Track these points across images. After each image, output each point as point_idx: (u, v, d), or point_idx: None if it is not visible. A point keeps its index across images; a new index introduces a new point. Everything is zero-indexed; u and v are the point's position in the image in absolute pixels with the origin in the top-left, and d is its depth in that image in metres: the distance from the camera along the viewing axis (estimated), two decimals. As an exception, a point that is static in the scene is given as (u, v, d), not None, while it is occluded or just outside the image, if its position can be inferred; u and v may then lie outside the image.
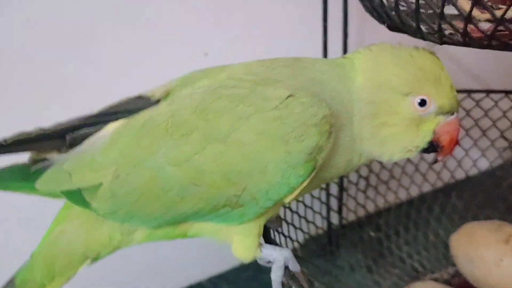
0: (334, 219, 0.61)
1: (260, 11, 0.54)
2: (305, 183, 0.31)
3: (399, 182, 0.62)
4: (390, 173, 0.61)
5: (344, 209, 0.61)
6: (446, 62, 0.64)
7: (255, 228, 0.33)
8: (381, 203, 0.62)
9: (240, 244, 0.34)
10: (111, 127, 0.33)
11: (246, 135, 0.30)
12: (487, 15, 0.34)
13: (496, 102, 0.60)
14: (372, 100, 0.32)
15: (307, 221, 0.56)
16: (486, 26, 0.27)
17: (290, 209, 0.53)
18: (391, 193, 0.62)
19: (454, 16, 0.27)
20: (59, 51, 0.45)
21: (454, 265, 0.56)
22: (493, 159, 0.65)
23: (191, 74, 0.36)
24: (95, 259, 0.35)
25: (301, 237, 0.56)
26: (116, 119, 0.33)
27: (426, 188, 0.64)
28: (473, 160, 0.64)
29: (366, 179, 0.60)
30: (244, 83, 0.32)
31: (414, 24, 0.28)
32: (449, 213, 0.63)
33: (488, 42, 0.25)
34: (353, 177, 0.59)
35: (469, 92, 0.60)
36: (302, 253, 0.58)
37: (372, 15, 0.34)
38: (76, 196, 0.32)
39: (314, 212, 0.57)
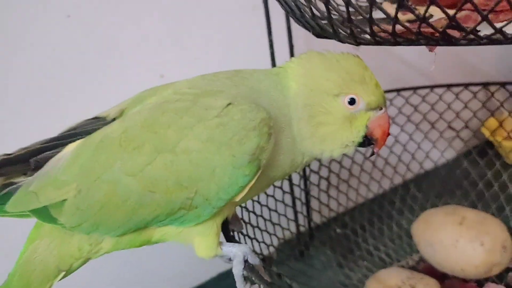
0: (303, 221, 0.64)
1: (213, 33, 0.57)
2: (251, 182, 0.33)
3: (360, 180, 0.65)
4: (350, 172, 0.64)
5: (312, 212, 0.64)
6: (390, 61, 0.69)
7: (212, 228, 0.36)
8: (344, 201, 0.65)
9: (201, 244, 0.36)
10: (70, 147, 0.35)
11: (192, 143, 0.32)
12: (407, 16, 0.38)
13: (440, 96, 0.64)
14: (307, 103, 0.35)
15: (281, 227, 0.59)
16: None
17: (263, 217, 0.56)
18: (353, 192, 0.65)
19: (361, 20, 0.31)
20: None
21: (418, 251, 0.59)
22: (443, 149, 0.69)
23: (142, 93, 0.38)
24: (69, 271, 0.37)
25: (275, 242, 0.59)
26: (75, 139, 0.35)
27: (386, 184, 0.67)
28: (426, 152, 0.67)
29: (327, 179, 0.63)
30: (187, 96, 0.34)
31: (331, 30, 0.31)
32: (409, 205, 0.66)
33: (394, 40, 0.29)
34: (315, 179, 0.62)
35: (415, 88, 0.64)
36: (277, 257, 0.61)
37: (300, 24, 0.37)
38: (44, 214, 0.34)
39: (286, 217, 0.59)
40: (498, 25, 0.27)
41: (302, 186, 0.62)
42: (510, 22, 0.26)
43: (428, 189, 0.67)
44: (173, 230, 0.36)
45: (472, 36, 0.27)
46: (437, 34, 0.28)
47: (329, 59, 0.35)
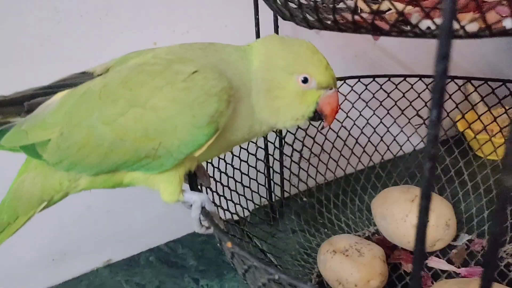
0: (277, 191, 0.70)
1: (204, 10, 0.62)
2: (210, 141, 0.39)
3: (331, 157, 0.70)
4: (322, 148, 0.70)
5: (284, 182, 0.70)
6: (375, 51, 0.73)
7: (175, 177, 0.41)
8: (313, 174, 0.71)
9: (165, 190, 0.42)
10: (59, 95, 0.40)
11: (160, 102, 0.37)
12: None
13: (412, 85, 0.69)
14: (265, 78, 0.40)
15: (257, 193, 0.65)
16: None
17: (242, 183, 0.62)
18: (323, 167, 0.71)
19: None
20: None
21: (375, 225, 0.65)
22: (412, 136, 0.73)
23: (127, 55, 0.43)
24: (50, 202, 0.43)
25: (251, 206, 0.65)
26: (64, 89, 0.40)
27: (354, 164, 0.73)
28: (394, 136, 0.72)
29: (300, 152, 0.69)
30: (162, 61, 0.39)
31: (288, 14, 0.37)
32: (374, 183, 0.72)
33: (338, 28, 0.34)
34: (288, 151, 0.68)
35: (389, 76, 0.69)
36: (251, 220, 0.67)
37: (271, 9, 0.43)
38: (31, 150, 0.40)
39: (261, 185, 0.66)
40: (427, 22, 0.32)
41: (278, 157, 0.67)
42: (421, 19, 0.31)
43: (392, 172, 0.72)
44: (141, 176, 0.41)
45: (398, 28, 0.32)
46: (366, 25, 0.33)
47: (287, 42, 0.41)
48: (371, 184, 0.72)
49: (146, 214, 0.67)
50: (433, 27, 0.32)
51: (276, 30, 0.61)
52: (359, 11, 0.39)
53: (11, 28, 0.51)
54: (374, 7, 0.36)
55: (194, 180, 0.46)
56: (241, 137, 0.43)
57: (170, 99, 0.37)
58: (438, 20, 0.31)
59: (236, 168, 0.61)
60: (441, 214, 0.58)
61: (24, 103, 0.40)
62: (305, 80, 0.40)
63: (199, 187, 0.47)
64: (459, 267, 0.57)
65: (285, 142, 0.67)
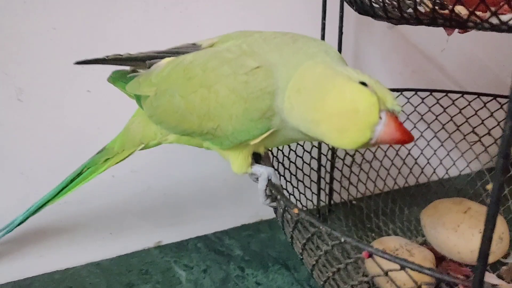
0: (323, 196, 0.71)
1: (273, 14, 0.65)
2: (263, 135, 0.40)
3: (388, 172, 0.72)
4: (381, 163, 0.71)
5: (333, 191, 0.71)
6: (426, 63, 0.76)
7: (242, 153, 0.44)
8: (362, 189, 0.72)
9: (234, 162, 0.45)
10: (165, 60, 0.45)
11: (222, 88, 0.39)
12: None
13: (469, 102, 0.70)
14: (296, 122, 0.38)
15: (304, 194, 0.66)
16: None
17: (291, 183, 0.63)
18: (371, 183, 0.72)
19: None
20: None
21: (423, 235, 0.65)
22: (471, 161, 0.74)
23: (232, 33, 0.46)
24: (146, 146, 0.49)
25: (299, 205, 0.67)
26: (173, 55, 0.45)
27: (410, 180, 0.74)
28: (453, 159, 0.73)
29: (354, 165, 0.70)
30: (238, 50, 0.41)
31: (368, 4, 0.39)
32: (424, 195, 0.72)
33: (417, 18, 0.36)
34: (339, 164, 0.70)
35: (447, 92, 0.70)
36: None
37: (347, 2, 0.45)
38: (138, 100, 0.46)
39: (306, 187, 0.67)
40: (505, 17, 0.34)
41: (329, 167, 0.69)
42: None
43: (444, 188, 0.72)
44: (213, 145, 0.45)
45: (476, 20, 0.34)
46: (448, 14, 0.35)
47: (320, 89, 0.36)
48: (421, 197, 0.72)
49: (199, 203, 0.70)
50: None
51: (340, 37, 0.64)
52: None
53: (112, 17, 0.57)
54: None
55: (258, 159, 0.49)
56: (300, 137, 0.42)
57: (230, 88, 0.39)
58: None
59: (292, 162, 0.63)
60: (496, 226, 0.58)
61: (146, 61, 0.46)
62: None
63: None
64: (509, 283, 0.57)
65: (337, 155, 0.69)
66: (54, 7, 0.54)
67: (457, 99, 0.70)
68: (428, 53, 0.76)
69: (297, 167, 0.64)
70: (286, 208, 0.39)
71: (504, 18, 0.35)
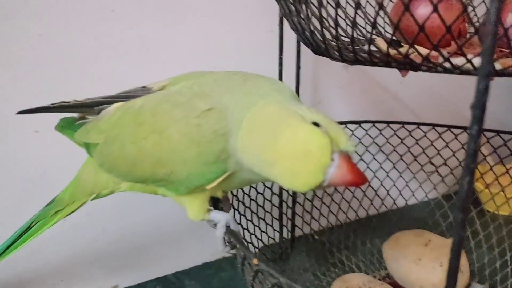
0: (285, 232, 0.70)
1: (231, 45, 0.65)
2: (219, 179, 0.39)
3: (349, 204, 0.72)
4: (342, 195, 0.71)
5: (296, 220, 0.70)
6: (383, 94, 0.77)
7: (196, 199, 0.42)
8: (326, 214, 0.71)
9: (190, 209, 0.43)
10: (115, 106, 0.43)
11: (174, 133, 0.38)
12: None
13: (425, 133, 0.71)
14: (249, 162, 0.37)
15: (265, 233, 0.65)
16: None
17: (252, 222, 0.62)
18: (334, 210, 0.72)
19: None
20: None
21: (386, 268, 0.65)
22: (429, 190, 0.76)
23: (181, 75, 0.45)
24: (98, 195, 0.47)
25: (260, 244, 0.66)
26: (124, 100, 0.43)
27: (363, 210, 0.74)
28: (412, 189, 0.74)
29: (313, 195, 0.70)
30: (189, 93, 0.40)
31: (323, 46, 0.39)
32: (385, 228, 0.72)
33: (371, 61, 0.36)
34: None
35: (403, 123, 0.72)
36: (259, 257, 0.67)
37: (304, 43, 0.45)
38: (88, 149, 0.44)
39: (268, 225, 0.66)
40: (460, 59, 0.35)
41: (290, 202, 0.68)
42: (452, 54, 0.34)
43: (405, 218, 0.73)
44: (168, 192, 0.43)
45: (429, 64, 0.35)
46: (401, 58, 0.35)
47: (272, 132, 0.35)
48: (382, 228, 0.72)
49: (157, 242, 0.67)
50: (461, 63, 0.35)
51: (298, 71, 0.64)
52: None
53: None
54: (402, 50, 0.39)
55: (216, 202, 0.47)
56: (256, 178, 0.41)
57: (183, 133, 0.38)
58: (471, 57, 0.33)
59: (253, 199, 0.62)
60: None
61: (94, 107, 0.44)
62: None
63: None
64: (470, 315, 0.57)
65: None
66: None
67: (413, 130, 0.71)
68: (385, 84, 0.78)
69: (258, 204, 0.63)
70: (246, 258, 0.37)
71: (456, 61, 0.35)
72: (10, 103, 0.50)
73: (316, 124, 0.34)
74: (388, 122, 0.71)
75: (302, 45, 0.62)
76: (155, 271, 0.68)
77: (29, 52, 0.53)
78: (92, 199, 0.47)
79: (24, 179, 0.56)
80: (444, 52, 0.35)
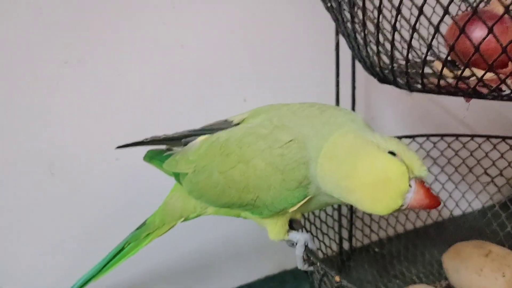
0: (345, 244, 0.73)
1: (290, 70, 0.68)
2: (301, 203, 0.42)
3: (407, 216, 0.74)
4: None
5: (356, 231, 0.73)
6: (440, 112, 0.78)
7: (279, 221, 0.46)
8: (384, 226, 0.74)
9: (272, 230, 0.47)
10: (201, 138, 0.47)
11: (259, 162, 0.41)
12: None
13: (479, 144, 0.72)
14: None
15: (325, 245, 0.67)
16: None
17: (312, 234, 0.65)
18: (393, 220, 0.74)
19: (416, 73, 0.41)
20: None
21: (446, 279, 0.66)
22: (485, 201, 0.76)
23: (260, 108, 0.49)
24: (186, 218, 0.51)
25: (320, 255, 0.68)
26: (209, 133, 0.47)
27: (427, 221, 0.76)
28: (463, 193, 0.75)
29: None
30: (270, 125, 0.43)
31: (392, 79, 0.42)
32: (443, 237, 0.74)
33: (438, 90, 0.39)
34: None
35: (457, 136, 0.73)
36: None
37: (367, 72, 0.48)
38: (177, 177, 0.48)
39: (330, 238, 0.69)
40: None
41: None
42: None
43: (461, 226, 0.74)
44: (251, 215, 0.47)
45: (495, 93, 0.37)
46: (470, 89, 0.38)
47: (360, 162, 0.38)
48: (440, 239, 0.73)
49: (218, 258, 0.71)
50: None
51: (353, 92, 0.67)
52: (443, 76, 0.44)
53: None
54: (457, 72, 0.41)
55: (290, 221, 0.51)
56: (334, 201, 0.44)
57: (267, 162, 0.41)
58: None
59: (316, 216, 0.65)
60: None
61: (182, 139, 0.49)
62: None
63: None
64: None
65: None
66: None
67: (467, 142, 0.73)
68: (436, 97, 0.79)
69: (315, 216, 0.65)
70: (322, 277, 0.41)
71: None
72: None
73: (391, 152, 0.38)
74: (442, 135, 0.73)
75: (356, 65, 0.65)
76: (220, 286, 0.71)
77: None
78: (181, 222, 0.51)
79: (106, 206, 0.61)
80: (502, 75, 0.37)
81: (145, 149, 0.53)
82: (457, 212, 0.76)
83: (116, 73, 0.57)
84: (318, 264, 0.42)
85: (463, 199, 0.75)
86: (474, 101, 0.83)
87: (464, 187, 0.75)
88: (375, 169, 0.37)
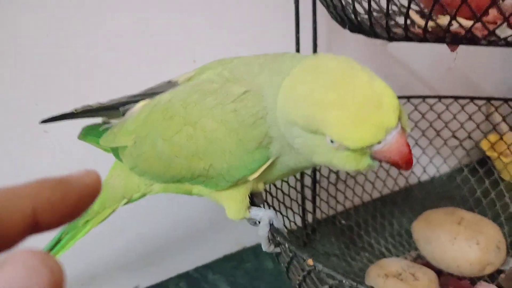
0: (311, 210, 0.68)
1: (243, 23, 0.61)
2: (263, 168, 0.35)
3: (366, 178, 0.69)
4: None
5: (321, 203, 0.68)
6: (405, 73, 0.74)
7: (238, 195, 0.39)
8: (350, 196, 0.69)
9: (230, 207, 0.40)
10: (140, 104, 0.40)
11: (209, 122, 0.35)
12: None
13: (447, 106, 0.68)
14: (288, 133, 0.33)
15: (288, 219, 0.62)
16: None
17: (274, 207, 0.59)
18: (359, 188, 0.69)
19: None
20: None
21: (416, 249, 0.63)
22: (447, 157, 0.73)
23: (208, 64, 0.41)
24: (130, 200, 0.43)
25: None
26: (149, 97, 0.40)
27: (390, 185, 0.72)
28: (430, 158, 0.71)
29: (336, 173, 0.67)
30: (220, 79, 0.36)
31: (368, 24, 0.35)
32: (411, 205, 0.70)
33: (424, 36, 0.33)
34: (325, 171, 0.66)
35: (424, 97, 0.69)
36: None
37: (336, 20, 0.41)
38: (116, 153, 0.40)
39: (294, 212, 0.63)
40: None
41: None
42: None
43: (429, 192, 0.71)
44: (205, 190, 0.40)
45: (493, 38, 0.31)
46: (463, 33, 0.32)
47: (315, 82, 0.30)
48: (408, 206, 0.70)
49: (175, 238, 0.64)
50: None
51: (315, 50, 0.60)
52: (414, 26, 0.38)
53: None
54: (441, 20, 0.35)
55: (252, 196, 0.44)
56: (301, 161, 0.36)
57: (219, 121, 0.35)
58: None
59: (278, 188, 0.59)
60: (491, 236, 0.56)
61: (119, 108, 0.40)
62: (333, 141, 0.30)
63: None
64: (510, 292, 0.55)
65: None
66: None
67: (434, 104, 0.69)
68: (402, 58, 0.74)
69: (277, 188, 0.59)
70: (291, 260, 0.34)
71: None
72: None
73: None
74: (408, 97, 0.68)
75: (318, 23, 0.58)
76: (175, 268, 0.65)
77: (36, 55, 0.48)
78: (124, 204, 0.44)
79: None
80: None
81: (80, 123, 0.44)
82: (424, 178, 0.73)
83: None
84: (286, 245, 0.35)
85: (430, 164, 0.71)
86: (438, 63, 0.79)
87: (431, 151, 0.71)
88: (366, 89, 0.29)
